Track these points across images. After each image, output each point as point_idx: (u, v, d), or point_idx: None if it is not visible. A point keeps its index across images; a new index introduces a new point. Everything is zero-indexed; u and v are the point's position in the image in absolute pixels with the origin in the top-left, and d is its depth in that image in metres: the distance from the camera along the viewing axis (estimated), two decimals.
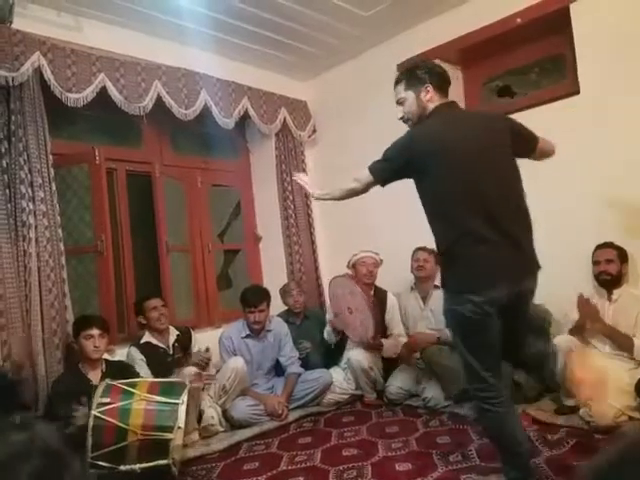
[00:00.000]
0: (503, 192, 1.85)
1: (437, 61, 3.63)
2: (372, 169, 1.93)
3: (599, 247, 2.79)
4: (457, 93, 3.82)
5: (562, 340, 2.66)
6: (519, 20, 3.21)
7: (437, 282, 3.45)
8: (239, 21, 3.36)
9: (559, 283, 3.03)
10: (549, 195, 3.14)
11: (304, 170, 4.36)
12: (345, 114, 4.20)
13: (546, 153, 2.08)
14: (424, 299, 3.46)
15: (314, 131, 4.43)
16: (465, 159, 1.82)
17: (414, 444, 2.57)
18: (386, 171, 1.91)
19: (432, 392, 3.05)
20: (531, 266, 1.91)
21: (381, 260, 3.59)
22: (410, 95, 1.97)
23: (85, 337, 2.61)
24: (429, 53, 3.64)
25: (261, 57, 3.92)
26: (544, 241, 3.09)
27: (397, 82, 2.03)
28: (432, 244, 3.49)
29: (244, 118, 3.99)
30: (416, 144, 1.87)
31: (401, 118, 2.03)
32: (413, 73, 1.98)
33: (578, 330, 2.71)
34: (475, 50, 3.55)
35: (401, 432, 2.76)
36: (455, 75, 3.82)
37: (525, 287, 1.89)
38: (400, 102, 2.01)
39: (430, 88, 1.94)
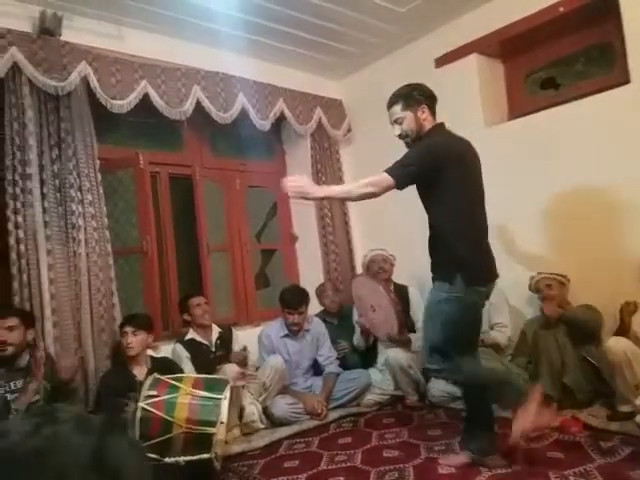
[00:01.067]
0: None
1: (476, 55, 3.59)
2: (394, 174, 2.05)
3: None
4: (498, 87, 3.72)
5: (616, 343, 2.52)
6: (562, 9, 3.10)
7: None
8: (274, 23, 3.39)
9: (611, 287, 2.89)
10: (600, 192, 3.02)
11: (340, 169, 4.36)
12: (381, 111, 4.10)
13: None
14: None
15: (349, 130, 4.41)
16: (475, 174, 2.19)
17: (458, 448, 2.50)
18: (409, 176, 2.08)
19: None
20: None
21: (392, 256, 3.53)
22: (408, 114, 2.21)
23: (121, 334, 2.70)
24: (468, 47, 3.57)
25: (296, 57, 3.94)
26: (596, 241, 3.00)
27: (393, 103, 2.26)
28: None
29: (279, 119, 4.02)
30: (440, 153, 2.11)
31: (399, 135, 2.26)
32: (410, 95, 2.23)
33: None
34: (516, 42, 3.45)
35: (444, 435, 2.70)
36: (496, 68, 3.73)
37: None
38: (398, 121, 2.24)
39: (425, 109, 2.21)
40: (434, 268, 2.24)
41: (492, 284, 2.24)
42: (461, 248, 2.11)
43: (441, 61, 3.71)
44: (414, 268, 3.55)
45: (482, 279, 2.17)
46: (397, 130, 2.25)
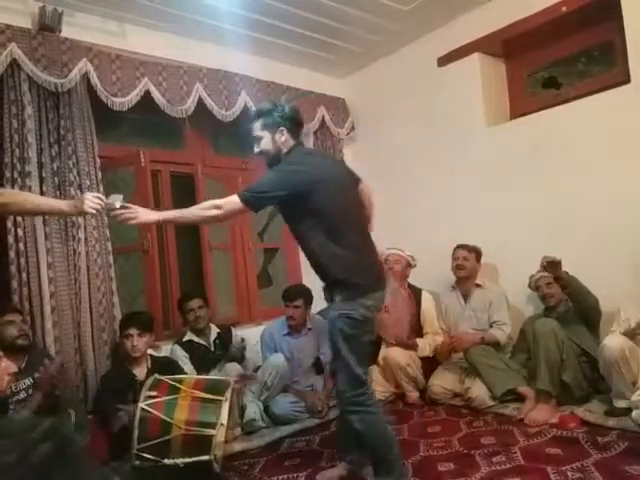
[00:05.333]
0: None
1: (478, 54, 3.58)
2: (244, 199, 2.01)
3: None
4: (501, 87, 3.72)
5: (613, 340, 2.54)
6: (564, 8, 3.10)
7: (479, 281, 3.38)
8: (277, 21, 3.38)
9: (612, 281, 2.91)
10: (602, 190, 3.02)
11: None
12: (384, 109, 4.15)
13: None
14: (465, 298, 3.40)
15: (352, 128, 4.40)
16: (344, 192, 2.13)
17: (457, 444, 2.53)
18: (262, 201, 2.06)
19: (476, 392, 2.98)
20: None
21: (411, 256, 3.48)
22: (266, 135, 2.11)
23: (125, 336, 2.67)
24: (470, 46, 3.57)
25: (299, 55, 3.93)
26: (597, 236, 3.01)
27: (253, 120, 2.15)
28: (473, 241, 3.42)
29: None
30: (297, 178, 2.08)
31: (259, 152, 2.15)
32: (270, 115, 2.10)
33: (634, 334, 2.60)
34: (519, 41, 3.45)
35: (443, 432, 2.72)
36: (498, 68, 3.72)
37: None
38: (256, 139, 2.13)
39: (284, 131, 2.09)
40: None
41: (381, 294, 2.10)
42: (336, 271, 2.02)
43: (443, 60, 3.70)
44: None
45: (368, 289, 2.04)
46: (256, 148, 2.16)
